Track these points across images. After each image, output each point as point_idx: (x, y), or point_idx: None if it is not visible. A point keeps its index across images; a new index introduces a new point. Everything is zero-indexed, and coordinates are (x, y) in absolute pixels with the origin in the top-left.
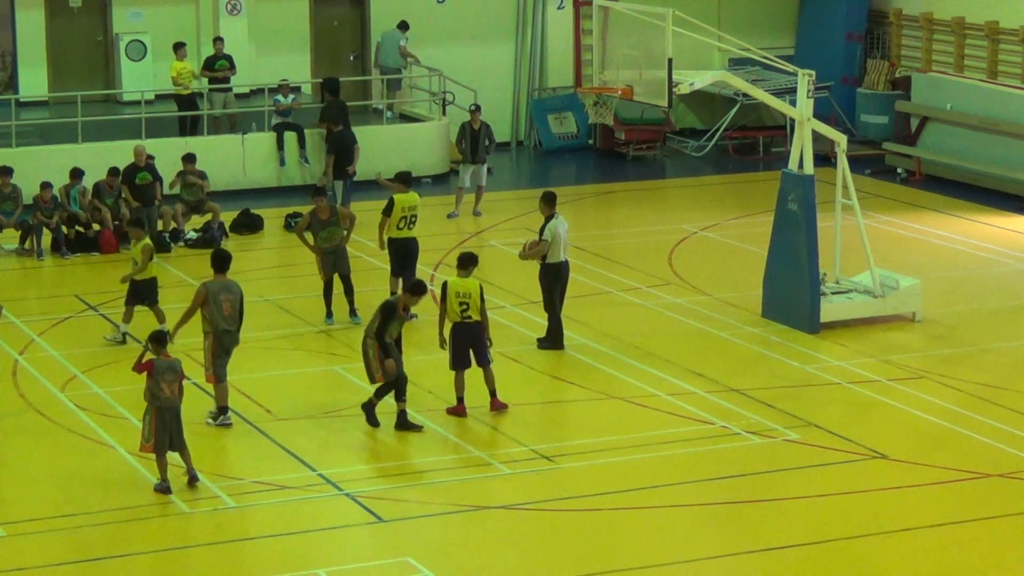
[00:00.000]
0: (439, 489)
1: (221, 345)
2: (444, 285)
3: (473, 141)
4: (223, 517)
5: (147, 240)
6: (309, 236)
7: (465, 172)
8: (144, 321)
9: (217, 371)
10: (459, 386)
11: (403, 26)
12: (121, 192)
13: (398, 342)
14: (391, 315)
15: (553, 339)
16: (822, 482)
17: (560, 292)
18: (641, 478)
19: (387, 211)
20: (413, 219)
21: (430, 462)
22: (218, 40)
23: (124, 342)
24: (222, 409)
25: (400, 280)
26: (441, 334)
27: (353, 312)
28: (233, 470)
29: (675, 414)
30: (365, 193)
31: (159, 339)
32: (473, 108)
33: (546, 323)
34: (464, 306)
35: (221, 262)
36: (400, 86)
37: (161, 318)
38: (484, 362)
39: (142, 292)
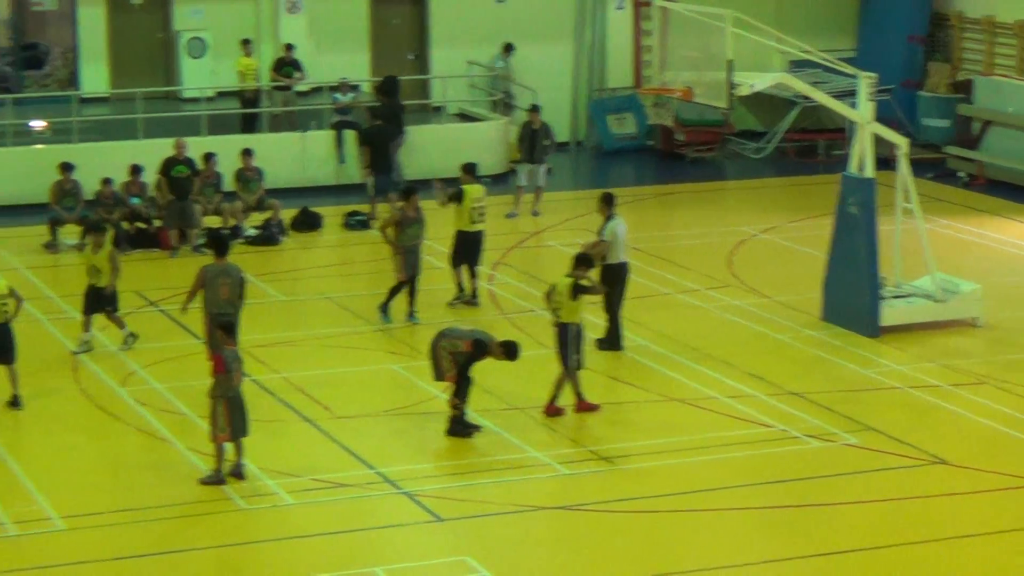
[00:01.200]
0: (498, 489)
1: (213, 324)
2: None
3: (532, 141)
4: (281, 514)
5: (110, 246)
6: (391, 231)
7: (523, 172)
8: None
9: (211, 341)
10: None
11: (506, 47)
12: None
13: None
14: (479, 357)
15: (612, 340)
16: (881, 487)
17: (619, 293)
18: (699, 481)
19: (457, 199)
20: (482, 211)
21: (488, 462)
22: (289, 47)
23: (91, 348)
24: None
25: (461, 270)
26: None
27: (412, 313)
28: (292, 467)
29: (733, 417)
30: (428, 192)
31: (228, 328)
32: (532, 108)
33: (605, 324)
34: (556, 306)
35: (219, 246)
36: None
37: (120, 325)
38: (562, 364)
39: (103, 298)
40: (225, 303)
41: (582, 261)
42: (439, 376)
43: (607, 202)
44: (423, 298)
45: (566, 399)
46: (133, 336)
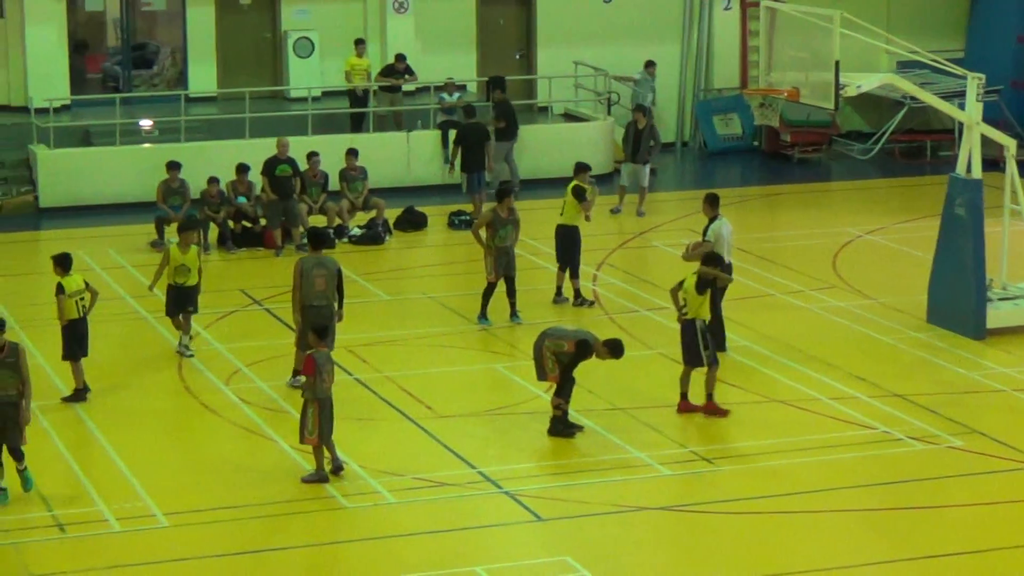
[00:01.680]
0: (598, 489)
1: (307, 320)
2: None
3: (635, 141)
4: (382, 512)
5: (196, 245)
6: (484, 233)
7: (625, 171)
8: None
9: (301, 340)
10: (682, 382)
11: (648, 64)
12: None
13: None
14: (583, 357)
15: (715, 341)
16: (986, 490)
17: (721, 294)
18: (801, 482)
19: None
20: (562, 206)
21: (590, 462)
22: (400, 58)
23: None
24: (295, 372)
25: (566, 273)
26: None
27: (514, 313)
28: (393, 466)
29: (836, 418)
30: (532, 192)
31: (321, 331)
32: (637, 107)
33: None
34: (683, 302)
35: (316, 240)
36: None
37: (188, 328)
38: (687, 362)
39: (189, 298)
40: (320, 295)
41: (710, 259)
42: (542, 376)
43: (712, 203)
44: (526, 298)
45: (722, 395)
46: (190, 347)
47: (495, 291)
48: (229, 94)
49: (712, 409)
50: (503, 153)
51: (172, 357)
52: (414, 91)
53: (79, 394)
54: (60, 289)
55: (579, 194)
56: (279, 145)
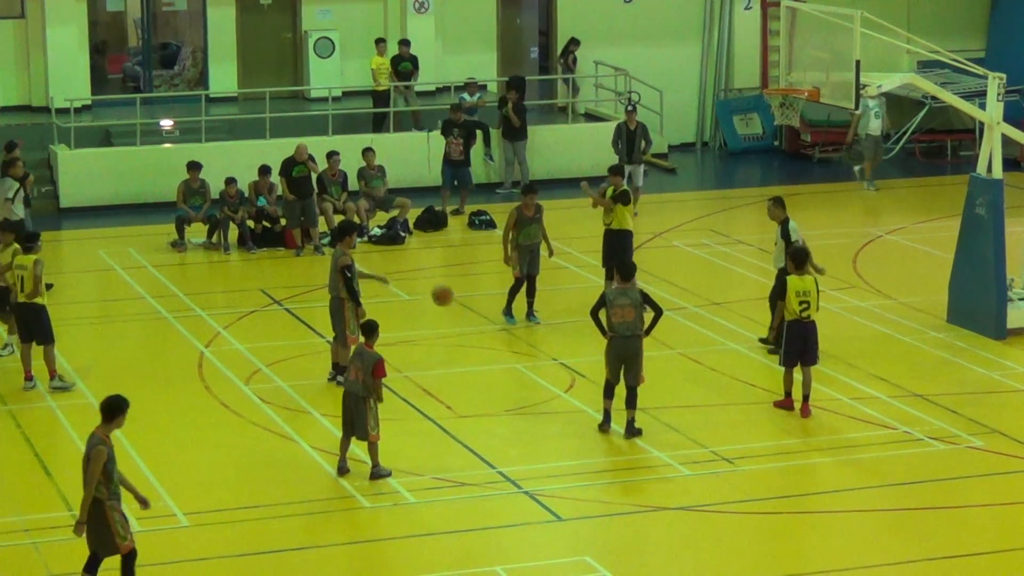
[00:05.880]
0: (618, 489)
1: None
2: (785, 282)
3: (629, 142)
4: (403, 512)
5: (33, 255)
6: (509, 231)
7: None
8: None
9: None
10: (787, 381)
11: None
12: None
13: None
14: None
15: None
16: (1006, 490)
17: None
18: (821, 482)
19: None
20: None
21: (610, 462)
22: (404, 43)
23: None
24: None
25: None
26: (777, 328)
27: (531, 313)
28: (414, 466)
29: (856, 418)
30: (548, 192)
31: (365, 329)
32: (629, 108)
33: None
34: (804, 304)
35: (336, 233)
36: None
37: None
38: (812, 361)
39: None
40: (332, 288)
41: (805, 258)
42: (638, 382)
43: (781, 205)
44: (551, 297)
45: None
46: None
47: (520, 289)
48: (249, 94)
49: (809, 409)
50: (521, 153)
51: (193, 358)
52: (434, 91)
53: None
54: None
55: (623, 198)
56: (297, 149)
